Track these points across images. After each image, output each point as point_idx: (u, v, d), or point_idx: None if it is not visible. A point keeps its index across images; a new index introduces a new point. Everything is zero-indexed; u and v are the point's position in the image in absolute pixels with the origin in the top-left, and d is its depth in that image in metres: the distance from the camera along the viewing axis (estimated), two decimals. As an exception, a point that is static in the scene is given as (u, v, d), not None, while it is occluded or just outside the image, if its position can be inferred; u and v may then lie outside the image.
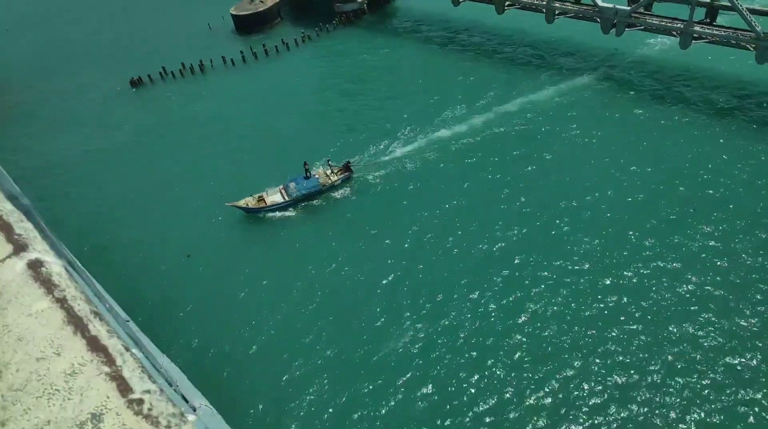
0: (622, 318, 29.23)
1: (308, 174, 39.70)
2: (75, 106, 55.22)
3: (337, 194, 39.89)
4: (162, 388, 3.59)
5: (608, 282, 31.26)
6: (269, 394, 27.53)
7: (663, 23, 48.40)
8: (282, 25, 66.72)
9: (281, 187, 39.62)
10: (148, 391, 3.41)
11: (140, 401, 3.35)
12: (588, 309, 29.90)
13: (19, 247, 4.42)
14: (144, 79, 57.77)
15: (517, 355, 28.03)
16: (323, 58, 60.83)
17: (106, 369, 3.51)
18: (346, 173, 40.42)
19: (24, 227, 4.77)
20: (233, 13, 65.63)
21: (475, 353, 28.33)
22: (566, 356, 27.74)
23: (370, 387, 27.28)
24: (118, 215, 40.78)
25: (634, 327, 28.71)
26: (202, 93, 55.68)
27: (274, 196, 39.15)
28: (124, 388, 3.40)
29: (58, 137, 50.73)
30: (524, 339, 28.73)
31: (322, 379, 27.87)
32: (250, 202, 38.55)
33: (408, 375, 27.63)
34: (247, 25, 65.10)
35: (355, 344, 29.37)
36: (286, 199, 38.91)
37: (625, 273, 31.63)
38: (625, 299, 30.20)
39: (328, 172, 40.42)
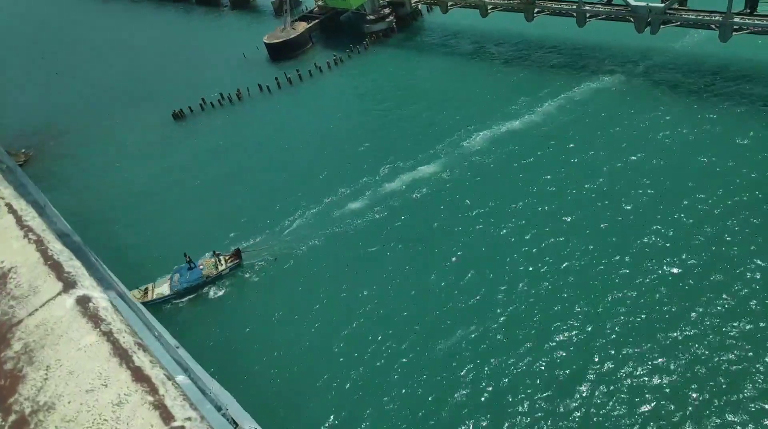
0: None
1: (191, 265, 37.80)
2: (119, 144, 57.44)
3: (227, 283, 37.64)
4: (203, 416, 3.73)
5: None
6: None
7: (700, 17, 47.03)
8: (314, 49, 68.18)
9: (169, 277, 37.90)
10: (189, 419, 3.55)
11: (182, 428, 3.49)
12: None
13: (69, 285, 4.70)
14: (185, 111, 59.92)
15: None
16: (355, 79, 61.69)
17: (150, 398, 3.68)
18: (236, 260, 38.34)
19: (73, 265, 5.07)
20: (266, 41, 67.51)
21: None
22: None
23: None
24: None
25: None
26: (236, 122, 57.17)
27: (161, 288, 37.46)
28: (166, 416, 3.56)
29: (99, 179, 52.63)
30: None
31: None
32: (135, 294, 36.52)
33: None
34: (280, 52, 66.85)
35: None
36: (170, 291, 37.12)
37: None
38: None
39: (216, 260, 38.29)
